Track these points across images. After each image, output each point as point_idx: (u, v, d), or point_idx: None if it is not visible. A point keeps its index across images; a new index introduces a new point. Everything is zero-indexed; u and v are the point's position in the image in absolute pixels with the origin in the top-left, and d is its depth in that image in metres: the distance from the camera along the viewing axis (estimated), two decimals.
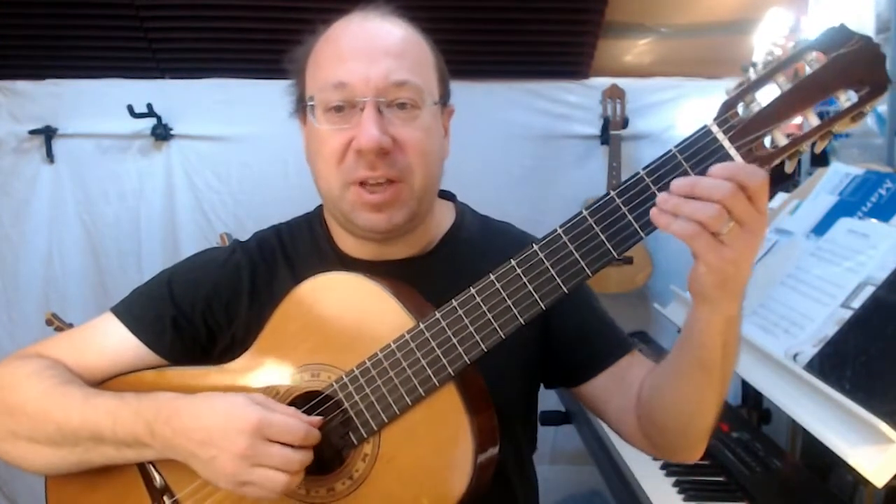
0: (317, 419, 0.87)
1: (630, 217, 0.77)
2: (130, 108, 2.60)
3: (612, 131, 2.68)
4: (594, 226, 0.78)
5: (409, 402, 0.85)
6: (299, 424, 0.84)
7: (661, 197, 0.74)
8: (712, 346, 0.81)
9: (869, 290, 1.31)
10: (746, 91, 0.75)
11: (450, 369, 0.84)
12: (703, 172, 0.73)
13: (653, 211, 0.74)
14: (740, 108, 0.75)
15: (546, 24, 2.63)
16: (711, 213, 0.71)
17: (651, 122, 2.77)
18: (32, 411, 0.93)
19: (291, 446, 0.83)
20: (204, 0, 2.53)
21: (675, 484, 1.48)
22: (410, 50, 0.95)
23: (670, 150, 0.76)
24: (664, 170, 0.76)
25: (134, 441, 0.89)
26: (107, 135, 2.74)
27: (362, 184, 0.92)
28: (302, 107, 0.98)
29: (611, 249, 0.78)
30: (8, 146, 2.72)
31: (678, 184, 0.73)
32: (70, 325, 2.24)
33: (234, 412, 0.84)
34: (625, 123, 2.69)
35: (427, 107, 0.94)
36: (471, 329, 0.83)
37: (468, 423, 0.84)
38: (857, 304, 1.31)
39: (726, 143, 0.74)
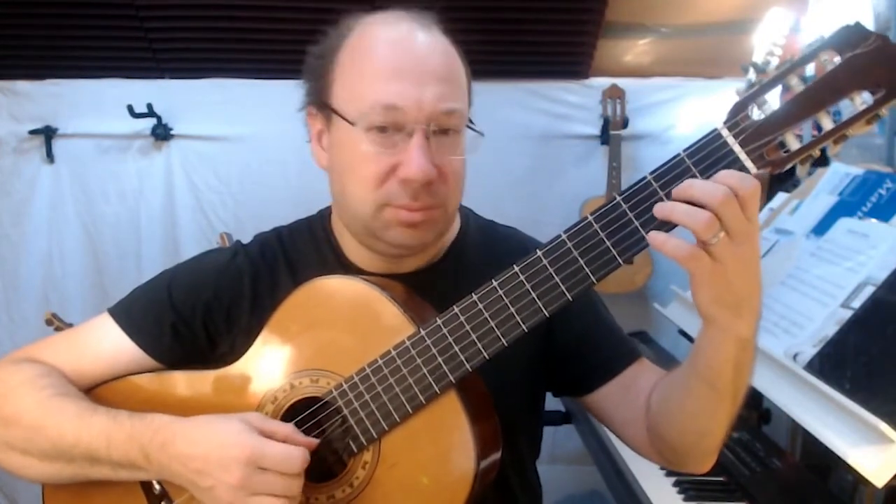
0: (313, 441, 0.86)
1: (637, 223, 0.75)
2: (130, 108, 2.60)
3: (612, 131, 2.68)
4: (599, 231, 0.76)
5: (410, 410, 0.84)
6: (296, 454, 0.82)
7: (657, 207, 0.73)
8: (722, 368, 0.80)
9: (869, 290, 1.30)
10: (758, 93, 0.72)
11: (451, 376, 0.83)
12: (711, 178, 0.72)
13: (650, 234, 0.73)
14: (751, 111, 0.72)
15: (546, 24, 2.64)
16: (702, 219, 0.70)
17: (651, 122, 2.77)
18: (26, 424, 0.92)
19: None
20: (204, 0, 2.53)
21: (675, 484, 1.48)
22: (456, 72, 0.93)
23: (679, 154, 0.74)
24: (672, 174, 0.74)
25: (129, 464, 0.89)
26: (107, 135, 2.74)
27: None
28: (317, 102, 0.95)
29: (616, 256, 0.76)
30: (8, 146, 2.72)
31: (677, 191, 0.72)
32: (70, 326, 2.24)
33: (228, 440, 0.83)
34: (625, 123, 2.68)
35: (464, 131, 0.92)
36: (473, 336, 0.82)
37: (470, 430, 0.83)
38: (857, 304, 1.31)
39: (737, 148, 0.72)
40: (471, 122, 0.95)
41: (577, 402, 1.06)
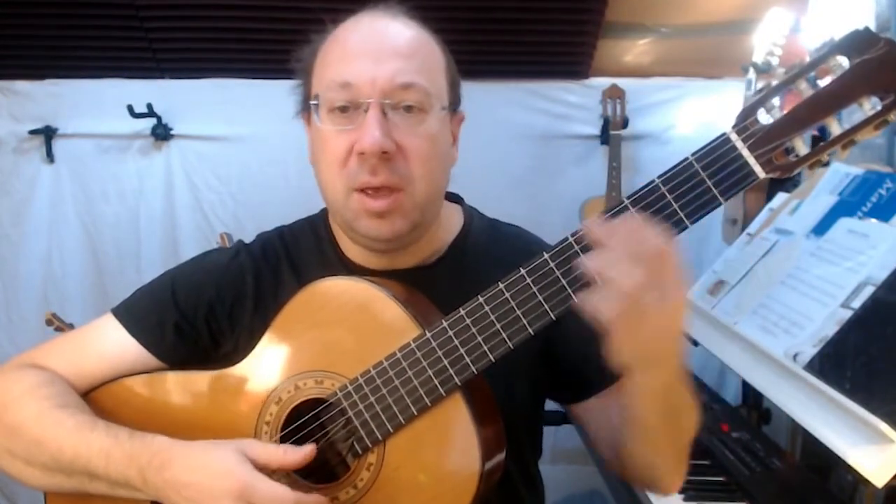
0: (310, 448, 0.86)
1: None
2: (130, 108, 2.60)
3: (612, 131, 2.67)
4: None
5: (415, 412, 0.84)
6: (286, 495, 0.82)
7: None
8: (648, 412, 0.80)
9: (869, 290, 1.30)
10: (766, 97, 0.73)
11: (456, 379, 0.83)
12: (720, 182, 0.73)
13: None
14: (760, 115, 0.73)
15: (546, 24, 2.63)
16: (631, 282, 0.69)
17: (651, 123, 2.77)
18: (27, 436, 0.92)
19: None
20: (204, 0, 2.53)
21: None
22: (420, 51, 0.93)
23: (687, 158, 0.74)
24: (680, 178, 0.74)
25: (125, 484, 0.89)
26: (107, 135, 2.73)
27: (364, 191, 0.90)
28: (307, 107, 0.97)
29: None
30: (8, 146, 2.72)
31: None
32: (70, 326, 2.24)
33: (221, 470, 0.83)
34: (625, 123, 2.68)
35: (434, 112, 0.91)
36: (478, 339, 0.82)
37: (475, 433, 0.83)
38: (857, 304, 1.30)
39: (745, 153, 0.73)
40: (450, 109, 0.96)
41: (566, 408, 1.05)
